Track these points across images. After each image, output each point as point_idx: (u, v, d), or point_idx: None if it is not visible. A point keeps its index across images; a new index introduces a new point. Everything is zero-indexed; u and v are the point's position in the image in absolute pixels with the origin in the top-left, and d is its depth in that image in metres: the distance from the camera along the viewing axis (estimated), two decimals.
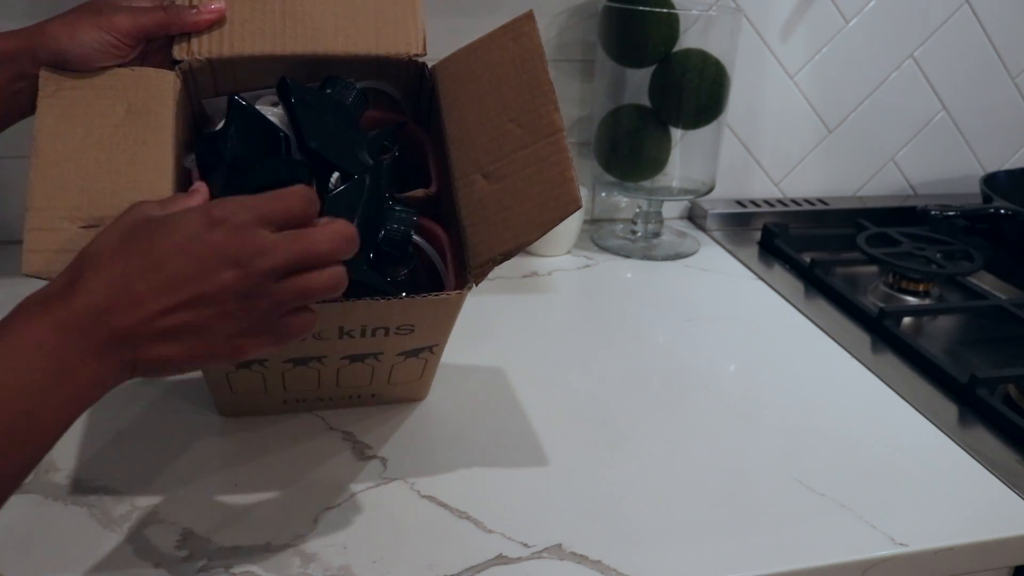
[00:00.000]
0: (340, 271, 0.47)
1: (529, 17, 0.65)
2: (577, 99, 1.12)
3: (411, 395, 0.72)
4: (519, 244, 0.58)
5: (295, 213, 0.46)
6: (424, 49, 0.69)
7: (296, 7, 0.67)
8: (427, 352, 0.65)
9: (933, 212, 1.14)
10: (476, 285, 0.59)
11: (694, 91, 1.01)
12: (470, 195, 0.62)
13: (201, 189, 0.51)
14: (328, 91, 0.66)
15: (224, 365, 0.46)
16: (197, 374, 0.75)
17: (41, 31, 0.60)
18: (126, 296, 0.42)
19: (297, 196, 0.46)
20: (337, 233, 0.46)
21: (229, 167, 0.59)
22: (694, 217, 1.21)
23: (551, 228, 0.57)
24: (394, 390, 0.70)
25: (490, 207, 0.60)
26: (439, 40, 0.76)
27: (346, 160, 0.61)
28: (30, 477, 0.62)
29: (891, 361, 0.86)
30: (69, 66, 0.60)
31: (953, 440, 0.73)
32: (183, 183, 0.62)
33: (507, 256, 0.58)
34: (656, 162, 1.06)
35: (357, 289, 0.56)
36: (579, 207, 0.57)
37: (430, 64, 0.71)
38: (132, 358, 0.43)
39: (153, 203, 0.47)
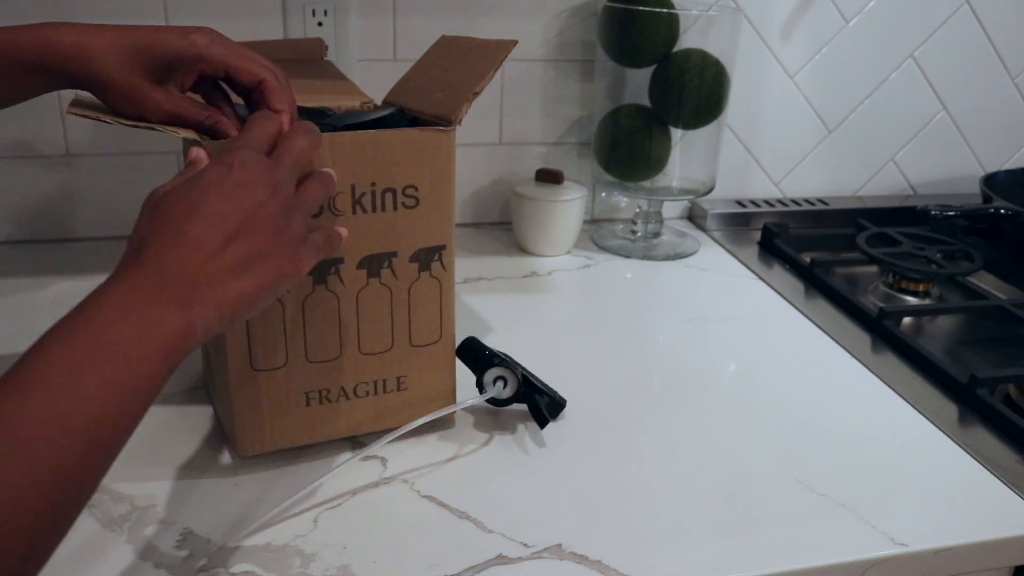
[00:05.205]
0: (327, 172, 0.56)
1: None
2: (577, 99, 1.12)
3: (437, 386, 0.69)
4: (485, 79, 0.63)
5: (272, 131, 0.54)
6: (371, 100, 0.75)
7: None
8: (437, 263, 0.66)
9: (933, 212, 1.14)
10: (459, 123, 0.63)
11: (694, 91, 1.01)
12: (433, 104, 0.68)
13: (200, 155, 0.52)
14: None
15: (293, 282, 0.51)
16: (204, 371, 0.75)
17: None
18: (183, 245, 0.45)
19: (264, 117, 0.55)
20: (302, 127, 0.55)
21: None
22: (694, 217, 1.21)
23: (503, 59, 0.64)
24: (419, 365, 0.67)
25: (450, 95, 0.66)
26: None
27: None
28: None
29: (891, 361, 0.86)
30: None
31: (953, 440, 0.73)
32: None
33: (478, 92, 0.63)
34: (656, 162, 1.06)
35: None
36: (515, 42, 0.65)
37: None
38: (212, 301, 0.45)
39: (162, 185, 0.49)
